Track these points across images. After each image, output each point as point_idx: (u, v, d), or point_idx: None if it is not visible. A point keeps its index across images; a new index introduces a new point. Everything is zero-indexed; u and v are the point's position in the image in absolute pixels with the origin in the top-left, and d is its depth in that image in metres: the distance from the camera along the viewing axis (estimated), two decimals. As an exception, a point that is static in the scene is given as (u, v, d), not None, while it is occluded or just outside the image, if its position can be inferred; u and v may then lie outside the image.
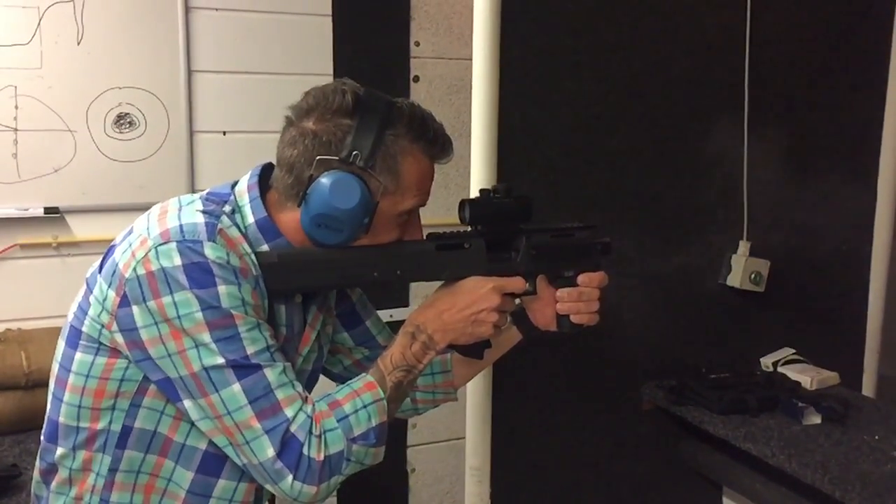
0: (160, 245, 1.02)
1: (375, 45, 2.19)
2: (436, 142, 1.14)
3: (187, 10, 2.00)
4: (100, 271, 1.08)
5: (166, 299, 1.01)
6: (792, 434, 2.16)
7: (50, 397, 1.14)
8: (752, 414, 2.28)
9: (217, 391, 1.02)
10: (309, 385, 1.25)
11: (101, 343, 1.07)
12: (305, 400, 1.06)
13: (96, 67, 1.94)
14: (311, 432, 1.03)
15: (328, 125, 1.09)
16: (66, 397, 1.10)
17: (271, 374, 1.04)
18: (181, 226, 1.04)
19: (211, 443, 1.09)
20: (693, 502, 2.67)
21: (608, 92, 2.42)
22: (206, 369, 1.02)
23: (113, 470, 1.10)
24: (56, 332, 1.17)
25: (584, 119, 2.41)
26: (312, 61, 2.11)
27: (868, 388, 2.77)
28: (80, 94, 1.93)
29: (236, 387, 1.02)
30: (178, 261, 1.01)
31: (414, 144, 1.12)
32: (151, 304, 1.01)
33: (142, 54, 1.97)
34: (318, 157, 1.08)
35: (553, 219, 1.33)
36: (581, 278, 1.27)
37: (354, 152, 1.08)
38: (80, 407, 1.09)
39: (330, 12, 2.12)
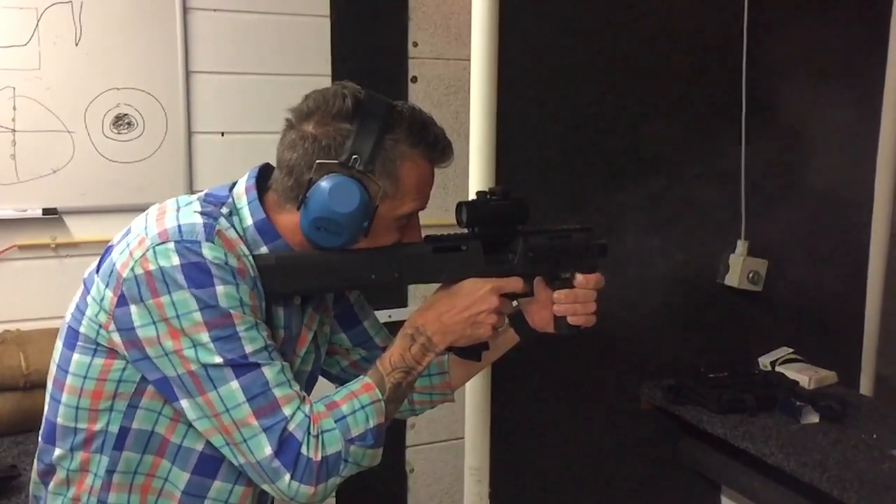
0: (158, 245, 1.03)
1: (373, 45, 2.19)
2: (435, 146, 1.14)
3: (185, 10, 1.99)
4: (97, 272, 1.08)
5: (164, 298, 1.01)
6: (790, 433, 2.17)
7: (48, 398, 1.14)
8: (750, 413, 2.28)
9: (215, 388, 1.02)
10: (307, 386, 1.25)
11: (98, 344, 1.07)
12: (303, 400, 1.07)
13: (94, 68, 1.93)
14: (309, 432, 1.04)
15: (328, 129, 1.09)
16: (64, 398, 1.10)
17: (269, 373, 1.04)
18: (179, 226, 1.05)
19: (207, 444, 1.09)
20: (692, 501, 2.67)
21: (606, 92, 2.43)
22: (204, 367, 1.02)
23: (110, 471, 1.10)
24: (54, 333, 1.16)
25: (582, 120, 2.41)
26: (311, 62, 2.11)
27: (866, 387, 2.78)
28: (78, 94, 1.93)
29: (234, 384, 1.02)
30: (176, 261, 1.02)
31: (413, 149, 1.12)
32: (149, 303, 1.02)
33: (140, 55, 1.97)
34: (317, 161, 1.08)
35: (551, 220, 1.33)
36: (578, 280, 1.27)
37: (354, 156, 1.08)
38: (77, 408, 1.09)
39: (328, 13, 2.12)
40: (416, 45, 2.24)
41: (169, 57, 1.99)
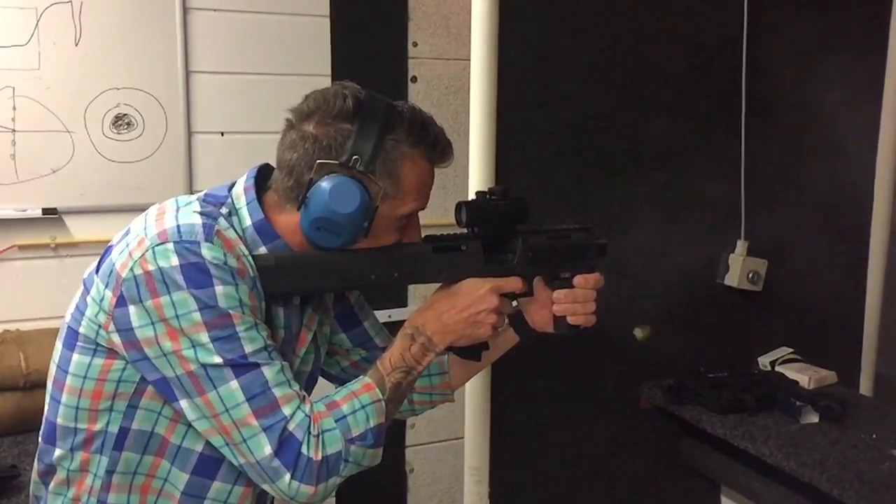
0: (157, 245, 1.03)
1: (373, 45, 2.19)
2: (436, 146, 1.14)
3: (185, 10, 2.00)
4: (97, 272, 1.08)
5: (164, 299, 1.01)
6: (790, 433, 2.17)
7: (48, 398, 1.14)
8: (750, 413, 2.28)
9: (214, 388, 1.02)
10: (307, 387, 1.25)
11: (98, 344, 1.07)
12: (303, 399, 1.06)
13: (94, 68, 1.94)
14: (309, 431, 1.04)
15: (329, 129, 1.09)
16: (64, 399, 1.10)
17: (269, 373, 1.04)
18: (178, 226, 1.05)
19: (207, 445, 1.09)
20: (692, 501, 2.67)
21: (606, 92, 2.43)
22: (203, 367, 1.02)
23: (110, 471, 1.10)
24: (54, 333, 1.16)
25: (581, 119, 2.41)
26: (310, 62, 2.11)
27: (865, 387, 2.78)
28: (78, 94, 1.93)
29: (234, 384, 1.02)
30: (175, 261, 1.01)
31: (414, 149, 1.12)
32: (148, 303, 1.01)
33: (140, 55, 1.97)
34: (318, 161, 1.08)
35: (551, 220, 1.33)
36: (577, 279, 1.27)
37: (354, 157, 1.08)
38: (77, 408, 1.09)
39: (328, 13, 2.12)
40: (415, 45, 2.24)
41: (169, 57, 1.99)
